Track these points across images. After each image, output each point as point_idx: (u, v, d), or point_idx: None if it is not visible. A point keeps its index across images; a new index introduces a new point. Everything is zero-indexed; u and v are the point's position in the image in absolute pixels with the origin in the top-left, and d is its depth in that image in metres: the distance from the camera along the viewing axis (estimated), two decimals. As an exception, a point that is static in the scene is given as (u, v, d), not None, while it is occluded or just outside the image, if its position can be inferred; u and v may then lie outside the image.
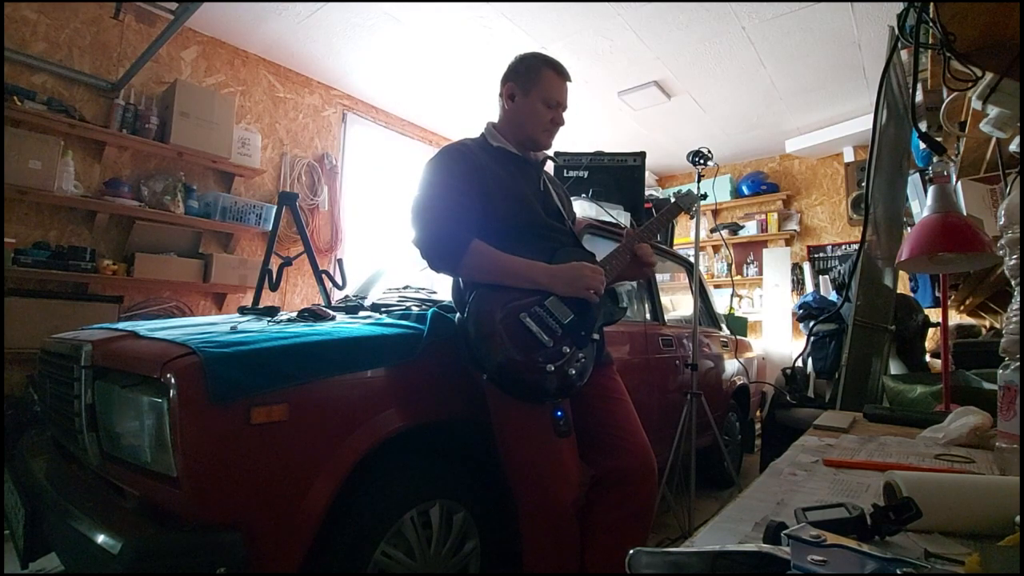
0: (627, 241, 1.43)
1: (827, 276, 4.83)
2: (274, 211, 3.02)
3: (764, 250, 5.30)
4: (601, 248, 1.64)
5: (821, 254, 5.23)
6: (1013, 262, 0.82)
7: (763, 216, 5.43)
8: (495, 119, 1.47)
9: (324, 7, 3.17)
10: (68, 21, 2.92)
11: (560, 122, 1.42)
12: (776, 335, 4.98)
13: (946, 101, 1.48)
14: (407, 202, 1.34)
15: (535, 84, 1.37)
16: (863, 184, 2.91)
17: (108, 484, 1.13)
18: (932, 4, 0.90)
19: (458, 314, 1.27)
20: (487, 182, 1.32)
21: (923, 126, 2.02)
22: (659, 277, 2.73)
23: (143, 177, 3.12)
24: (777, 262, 5.14)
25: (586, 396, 1.31)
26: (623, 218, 2.37)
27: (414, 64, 3.81)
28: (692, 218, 2.20)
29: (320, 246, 3.91)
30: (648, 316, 2.36)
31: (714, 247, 5.70)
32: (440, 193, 1.28)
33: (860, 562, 0.39)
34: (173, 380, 0.94)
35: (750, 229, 5.49)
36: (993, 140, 1.47)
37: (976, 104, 1.07)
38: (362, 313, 1.62)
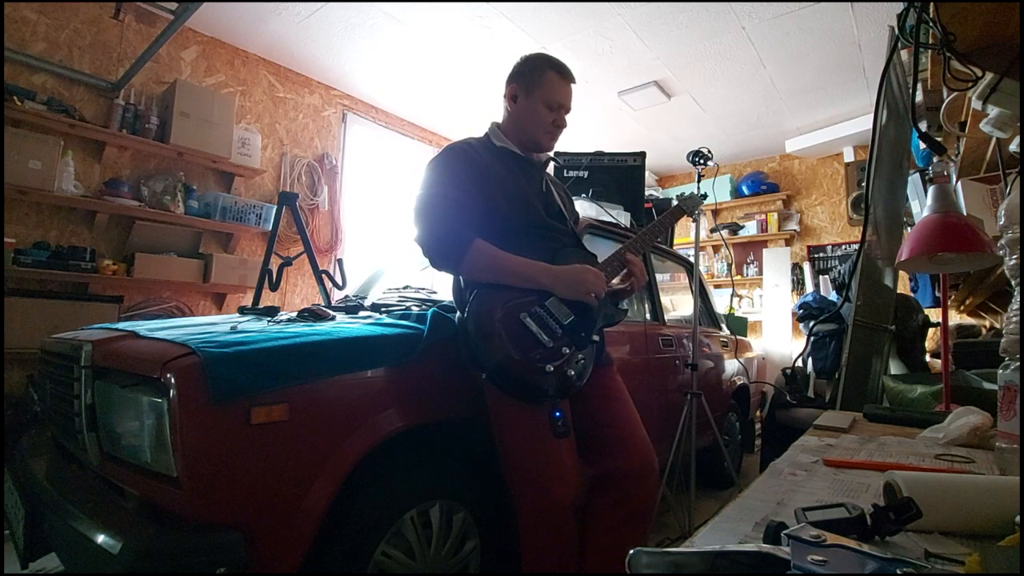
0: (622, 248, 1.42)
1: (827, 276, 4.83)
2: (274, 211, 3.02)
3: (764, 250, 5.30)
4: (601, 248, 1.64)
5: (821, 254, 5.23)
6: (1013, 262, 0.82)
7: (763, 216, 5.43)
8: (499, 119, 1.47)
9: (324, 7, 3.17)
10: (68, 21, 2.92)
11: (562, 124, 1.41)
12: (776, 335, 4.98)
13: (946, 101, 1.48)
14: (408, 202, 1.34)
15: (538, 86, 1.37)
16: (863, 184, 2.91)
17: (108, 484, 1.13)
18: (932, 4, 0.90)
19: (458, 313, 1.27)
20: (489, 182, 1.32)
21: (923, 126, 2.02)
22: (659, 277, 2.73)
23: (143, 177, 3.12)
24: (777, 262, 5.14)
25: (586, 396, 1.31)
26: (623, 218, 2.37)
27: (414, 64, 3.81)
28: (694, 220, 2.20)
29: (320, 246, 3.91)
30: (648, 316, 2.36)
31: (714, 247, 5.70)
32: (443, 192, 1.28)
33: (860, 562, 0.38)
34: (173, 380, 0.94)
35: (750, 229, 5.49)
36: (993, 140, 1.47)
37: (976, 104, 1.07)
38: (362, 313, 1.62)
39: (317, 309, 1.50)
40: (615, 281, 1.40)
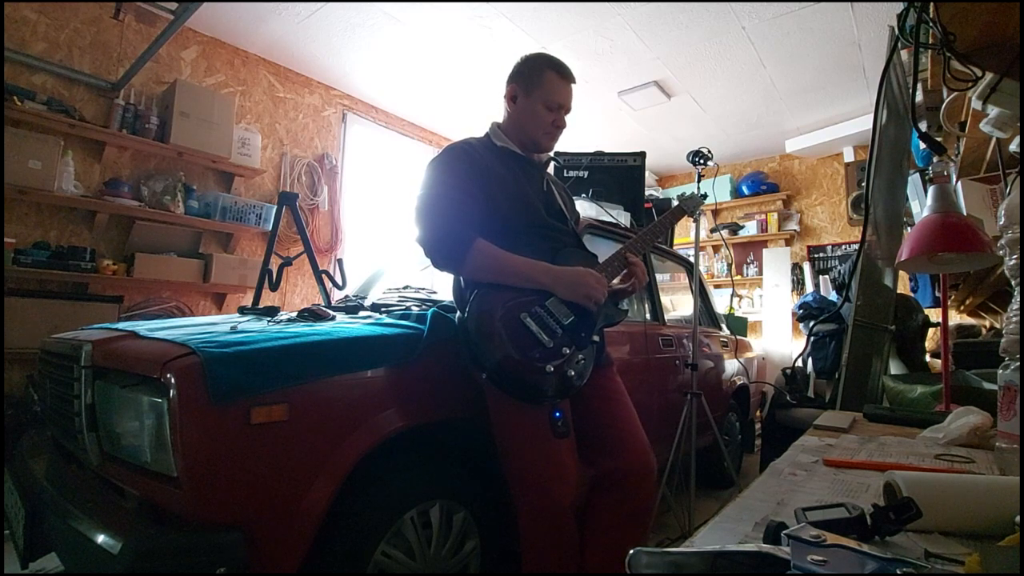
0: (623, 248, 1.41)
1: (827, 276, 4.83)
2: (274, 211, 3.02)
3: (764, 250, 5.30)
4: (601, 248, 1.64)
5: (821, 254, 5.23)
6: (1013, 262, 0.82)
7: (763, 216, 5.43)
8: (499, 118, 1.46)
9: (324, 7, 3.17)
10: (68, 21, 2.92)
11: (562, 125, 1.41)
12: (776, 335, 4.98)
13: (946, 101, 1.48)
14: (408, 202, 1.34)
15: (537, 86, 1.37)
16: (863, 184, 2.91)
17: (108, 484, 1.13)
18: (932, 4, 0.90)
19: (458, 313, 1.27)
20: (490, 182, 1.32)
21: (923, 126, 2.02)
22: (659, 277, 2.73)
23: (143, 177, 3.12)
24: (777, 262, 5.14)
25: (586, 396, 1.31)
26: (623, 218, 2.37)
27: (414, 64, 3.81)
28: (695, 220, 2.20)
29: (320, 246, 3.91)
30: (648, 316, 2.36)
31: (714, 247, 5.70)
32: (444, 192, 1.28)
33: (860, 562, 0.39)
34: (173, 380, 0.94)
35: (750, 229, 5.49)
36: (993, 140, 1.47)
37: (976, 104, 1.07)
38: (362, 313, 1.62)
39: (317, 309, 1.50)
40: (615, 281, 1.40)
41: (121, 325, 1.41)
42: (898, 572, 0.38)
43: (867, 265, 2.29)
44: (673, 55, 3.65)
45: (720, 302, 4.18)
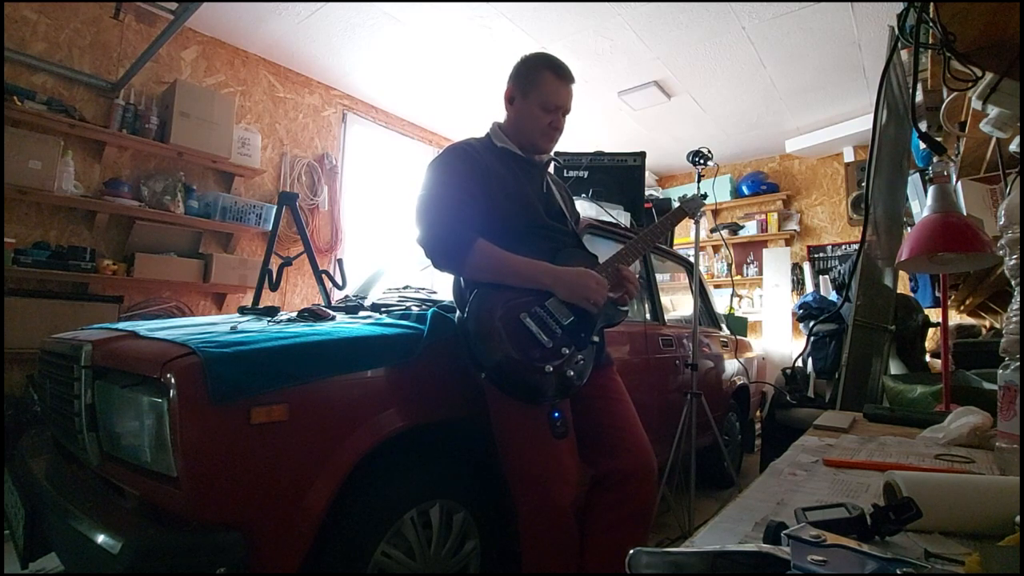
0: (620, 253, 1.39)
1: (827, 276, 4.83)
2: (274, 211, 3.02)
3: (764, 250, 5.30)
4: (601, 248, 1.64)
5: (821, 254, 5.23)
6: (1013, 262, 0.82)
7: (763, 216, 5.43)
8: (500, 118, 1.46)
9: (324, 7, 3.17)
10: (68, 21, 2.92)
11: (559, 126, 1.39)
12: (776, 335, 4.98)
13: (946, 101, 1.48)
14: (409, 202, 1.34)
15: (534, 87, 1.36)
16: (863, 184, 2.91)
17: (108, 484, 1.13)
18: (932, 4, 0.90)
19: (458, 313, 1.27)
20: (490, 182, 1.32)
21: (923, 126, 2.02)
22: (659, 277, 2.73)
23: (143, 177, 3.12)
24: (777, 262, 5.15)
25: (586, 396, 1.31)
26: (623, 218, 2.37)
27: (414, 64, 3.81)
28: (696, 221, 2.19)
29: (320, 246, 3.91)
30: (648, 316, 2.36)
31: (714, 247, 5.70)
32: (444, 193, 1.28)
33: (860, 562, 0.39)
34: (173, 380, 0.94)
35: (750, 229, 5.49)
36: (993, 140, 1.47)
37: (976, 104, 1.07)
38: (362, 313, 1.62)
39: (317, 309, 1.50)
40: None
41: (121, 325, 1.41)
42: (898, 572, 0.38)
43: (867, 265, 2.29)
44: (673, 55, 3.65)
45: (720, 302, 4.18)
